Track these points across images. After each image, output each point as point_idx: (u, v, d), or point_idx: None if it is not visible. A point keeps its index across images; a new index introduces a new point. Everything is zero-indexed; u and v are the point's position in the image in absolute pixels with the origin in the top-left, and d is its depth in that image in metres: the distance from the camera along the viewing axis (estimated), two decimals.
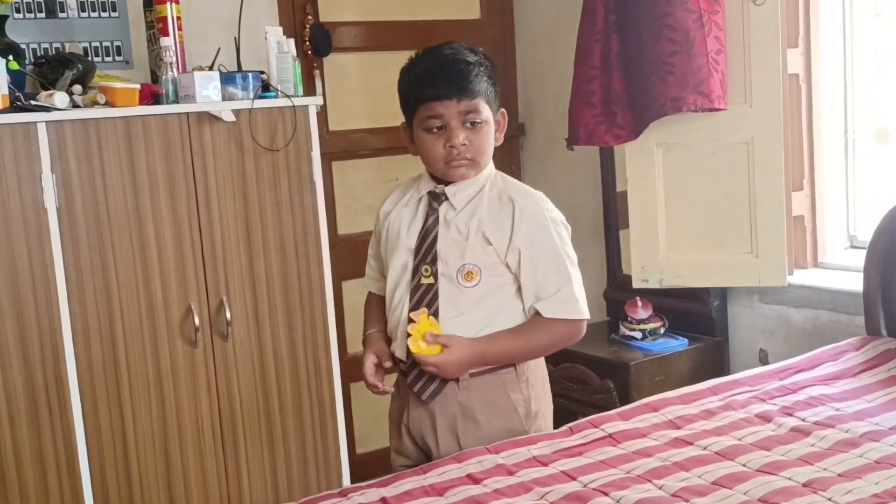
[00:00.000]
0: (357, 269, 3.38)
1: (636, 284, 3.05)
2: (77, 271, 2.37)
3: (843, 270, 2.95)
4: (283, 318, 2.67)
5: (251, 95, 2.57)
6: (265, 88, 2.62)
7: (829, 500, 1.60)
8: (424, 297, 1.88)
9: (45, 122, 2.31)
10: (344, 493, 1.73)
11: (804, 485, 1.66)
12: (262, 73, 2.64)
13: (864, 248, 2.64)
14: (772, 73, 2.79)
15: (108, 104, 2.41)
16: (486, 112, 1.86)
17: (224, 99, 2.54)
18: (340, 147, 3.31)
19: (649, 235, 3.01)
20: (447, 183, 1.92)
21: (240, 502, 2.61)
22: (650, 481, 1.72)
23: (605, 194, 3.37)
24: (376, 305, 2.09)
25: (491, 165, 1.96)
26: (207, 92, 2.50)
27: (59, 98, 2.32)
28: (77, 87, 2.42)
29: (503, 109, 1.95)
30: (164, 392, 2.51)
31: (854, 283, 2.70)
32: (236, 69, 2.65)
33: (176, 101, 2.51)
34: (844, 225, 3.09)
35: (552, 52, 3.57)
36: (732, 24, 2.80)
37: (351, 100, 3.35)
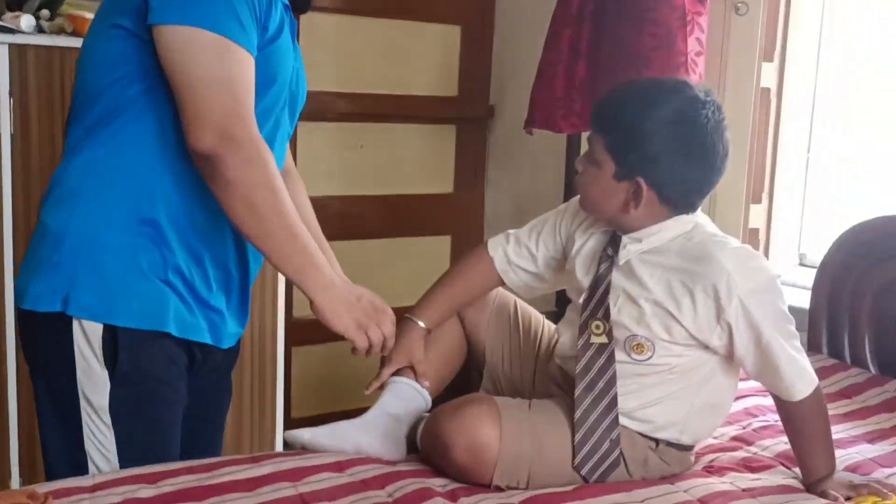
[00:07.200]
0: None
1: None
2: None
3: (791, 287, 3.00)
4: None
5: None
6: None
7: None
8: (595, 361, 1.58)
9: (8, 44, 2.21)
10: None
11: (743, 490, 1.68)
12: None
13: (813, 266, 2.68)
14: (746, 85, 2.80)
15: (75, 33, 2.32)
16: (601, 154, 1.59)
17: None
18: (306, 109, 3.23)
19: None
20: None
21: None
22: None
23: (567, 183, 3.36)
24: (466, 280, 1.79)
25: (690, 219, 1.62)
26: None
27: (25, 21, 2.23)
28: (44, 13, 2.33)
29: (641, 180, 1.58)
30: None
31: (801, 300, 2.75)
32: None
33: None
34: (797, 242, 3.14)
35: (529, 33, 3.52)
36: (713, 30, 2.80)
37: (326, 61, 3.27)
